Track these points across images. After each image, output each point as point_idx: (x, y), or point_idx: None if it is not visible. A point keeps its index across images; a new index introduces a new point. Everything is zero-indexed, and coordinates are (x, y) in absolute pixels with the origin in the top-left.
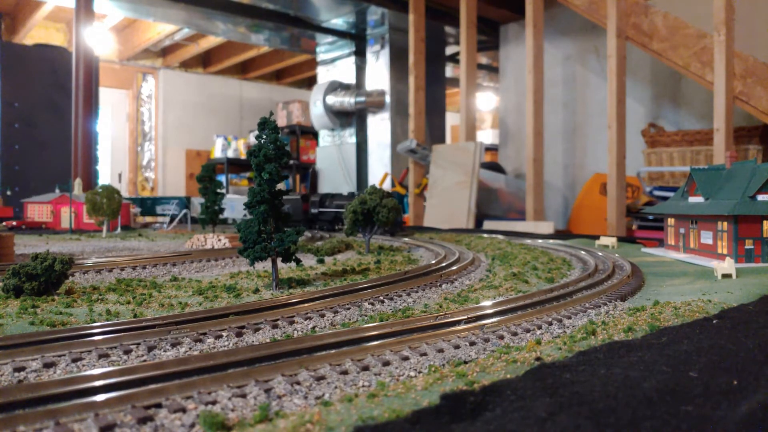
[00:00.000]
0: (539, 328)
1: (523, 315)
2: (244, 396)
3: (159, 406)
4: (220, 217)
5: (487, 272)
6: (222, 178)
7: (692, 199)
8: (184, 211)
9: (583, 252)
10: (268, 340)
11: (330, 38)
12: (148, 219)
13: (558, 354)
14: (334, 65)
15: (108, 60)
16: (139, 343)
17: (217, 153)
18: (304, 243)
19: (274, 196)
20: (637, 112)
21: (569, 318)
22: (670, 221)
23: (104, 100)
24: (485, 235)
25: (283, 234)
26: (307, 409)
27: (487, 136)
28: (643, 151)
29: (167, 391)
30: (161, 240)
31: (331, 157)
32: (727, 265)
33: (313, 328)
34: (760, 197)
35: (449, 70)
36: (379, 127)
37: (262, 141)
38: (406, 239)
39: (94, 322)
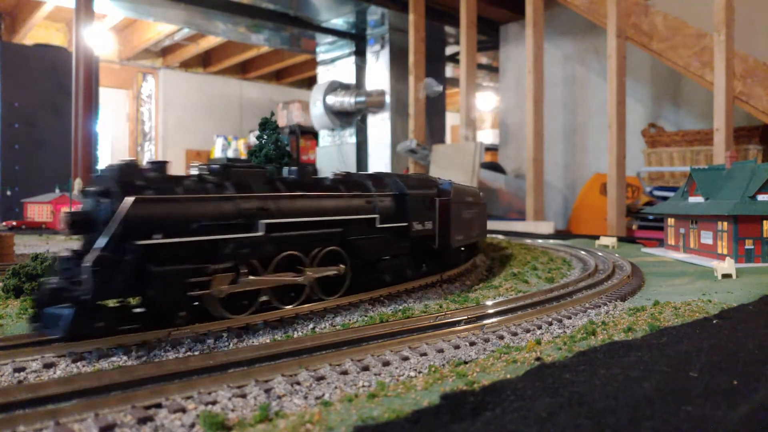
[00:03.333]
0: (539, 328)
1: (523, 315)
2: (244, 396)
3: (159, 406)
4: None
5: (487, 272)
6: None
7: (692, 199)
8: None
9: (583, 252)
10: (268, 340)
11: (330, 38)
12: None
13: (558, 354)
14: (334, 65)
15: (108, 60)
16: (139, 343)
17: (217, 153)
18: None
19: None
20: (637, 112)
21: (569, 318)
22: (670, 221)
23: (104, 100)
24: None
25: None
26: (307, 409)
27: (487, 136)
28: (643, 151)
29: (167, 391)
30: None
31: (331, 157)
32: (727, 265)
33: (313, 328)
34: (760, 197)
35: (449, 70)
36: (379, 127)
37: (263, 141)
38: None
39: None
